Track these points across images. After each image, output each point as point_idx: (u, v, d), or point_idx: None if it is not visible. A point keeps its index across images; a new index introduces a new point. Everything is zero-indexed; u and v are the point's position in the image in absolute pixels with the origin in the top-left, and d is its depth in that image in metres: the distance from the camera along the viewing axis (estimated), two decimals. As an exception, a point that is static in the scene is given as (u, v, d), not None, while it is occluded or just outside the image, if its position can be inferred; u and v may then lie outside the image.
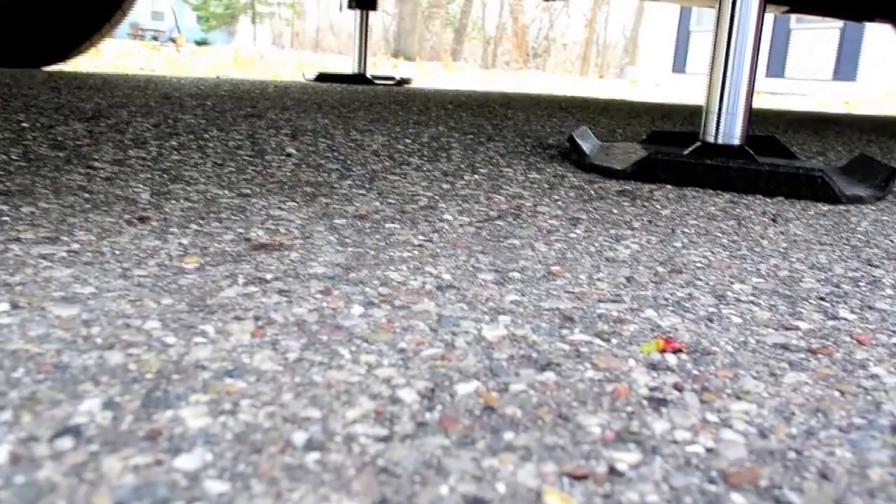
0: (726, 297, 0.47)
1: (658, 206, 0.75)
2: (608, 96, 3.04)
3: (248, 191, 0.69)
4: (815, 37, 8.05)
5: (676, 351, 0.37)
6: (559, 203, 0.74)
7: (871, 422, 0.31)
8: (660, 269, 0.53)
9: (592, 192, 0.80)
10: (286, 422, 0.29)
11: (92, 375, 0.31)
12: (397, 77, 2.99)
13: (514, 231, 0.61)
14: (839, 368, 0.37)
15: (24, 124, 0.95)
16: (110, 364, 0.32)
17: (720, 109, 0.94)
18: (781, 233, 0.67)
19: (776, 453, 0.28)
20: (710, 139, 0.95)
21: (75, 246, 0.49)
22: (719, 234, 0.65)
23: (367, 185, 0.76)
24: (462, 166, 0.92)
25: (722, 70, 0.93)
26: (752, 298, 0.47)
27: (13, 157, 0.75)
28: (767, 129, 1.71)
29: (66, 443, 0.26)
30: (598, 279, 0.49)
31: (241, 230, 0.55)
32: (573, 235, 0.61)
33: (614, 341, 0.38)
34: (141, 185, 0.68)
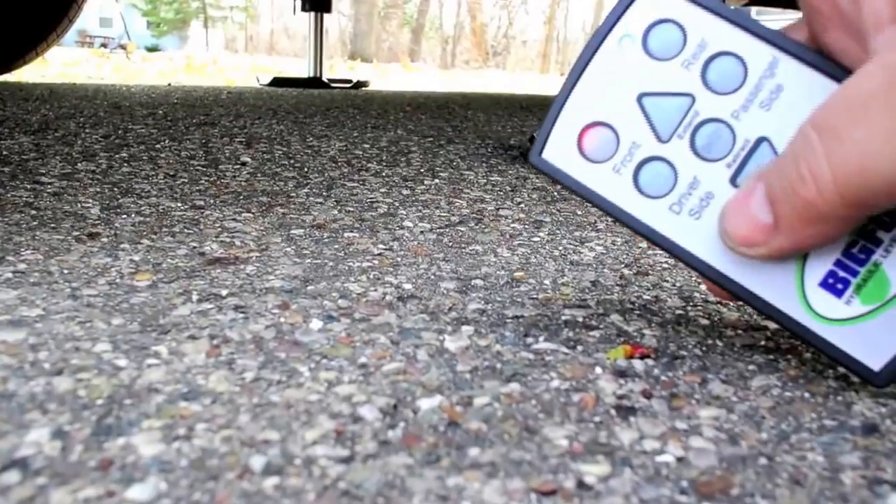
0: (693, 299, 0.47)
1: (619, 206, 0.75)
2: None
3: (202, 202, 0.68)
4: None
5: (644, 356, 0.37)
6: (522, 206, 0.73)
7: (843, 423, 0.31)
8: (625, 271, 0.52)
9: (556, 194, 0.80)
10: (244, 445, 0.27)
11: (40, 403, 0.30)
12: (354, 80, 2.98)
13: (476, 236, 0.60)
14: (808, 369, 0.36)
15: (-31, 138, 0.93)
16: (59, 390, 0.31)
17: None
18: (742, 229, 0.67)
19: (747, 460, 0.28)
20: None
21: (21, 266, 0.47)
22: (681, 233, 0.64)
23: (324, 193, 0.75)
24: (422, 171, 0.91)
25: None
26: (719, 299, 0.47)
27: (-43, 173, 0.73)
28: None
29: (12, 477, 0.25)
30: (563, 284, 0.49)
31: (194, 244, 0.54)
32: (536, 239, 0.60)
33: (580, 349, 0.38)
34: (90, 200, 0.66)
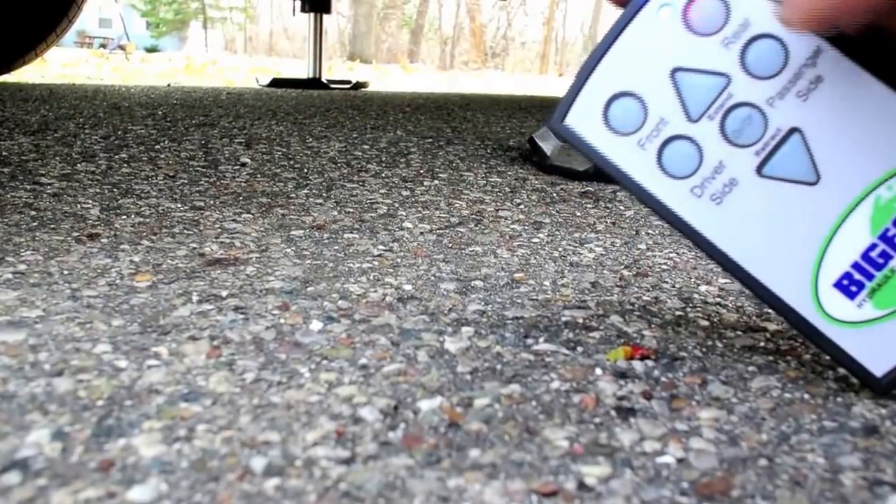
0: (693, 300, 0.47)
1: (622, 207, 0.75)
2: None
3: (202, 203, 0.68)
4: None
5: (644, 357, 0.37)
6: (521, 207, 0.73)
7: (843, 425, 0.31)
8: (625, 272, 0.52)
9: (555, 195, 0.80)
10: (244, 447, 0.27)
11: (40, 404, 0.30)
12: (353, 80, 2.98)
13: (475, 237, 0.60)
14: (808, 370, 0.36)
15: (-31, 139, 0.93)
16: (59, 391, 0.31)
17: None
18: (742, 231, 0.67)
19: (748, 461, 0.28)
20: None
21: (21, 267, 0.47)
22: (681, 234, 0.64)
23: (324, 194, 0.75)
24: (421, 172, 0.91)
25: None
26: (718, 300, 0.47)
27: (-43, 173, 0.73)
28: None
29: (12, 478, 0.25)
30: (563, 285, 0.49)
31: (194, 245, 0.54)
32: (536, 240, 0.60)
33: (580, 350, 0.38)
34: (90, 201, 0.66)
